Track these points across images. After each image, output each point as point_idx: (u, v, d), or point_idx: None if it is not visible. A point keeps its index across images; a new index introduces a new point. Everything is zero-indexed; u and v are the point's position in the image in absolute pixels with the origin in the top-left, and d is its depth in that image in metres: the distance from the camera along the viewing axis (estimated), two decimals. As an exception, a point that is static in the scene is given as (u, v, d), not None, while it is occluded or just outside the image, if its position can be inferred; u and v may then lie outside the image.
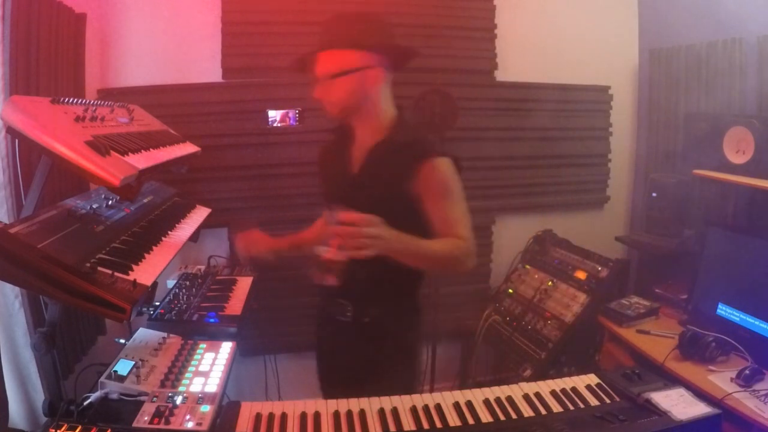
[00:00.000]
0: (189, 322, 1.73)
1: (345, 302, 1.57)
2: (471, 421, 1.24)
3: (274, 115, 2.55)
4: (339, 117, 1.52)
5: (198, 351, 1.56)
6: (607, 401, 1.32)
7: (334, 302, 1.59)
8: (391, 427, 1.21)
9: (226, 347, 1.59)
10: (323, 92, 1.46)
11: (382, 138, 1.48)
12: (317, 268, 1.28)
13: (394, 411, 1.25)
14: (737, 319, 2.14)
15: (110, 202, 1.64)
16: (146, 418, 1.21)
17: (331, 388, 1.69)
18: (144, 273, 1.34)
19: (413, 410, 1.26)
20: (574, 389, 1.36)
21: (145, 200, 1.90)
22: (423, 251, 1.34)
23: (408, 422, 1.22)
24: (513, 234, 3.05)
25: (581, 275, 2.63)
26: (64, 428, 1.15)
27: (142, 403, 1.27)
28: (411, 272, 1.48)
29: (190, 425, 1.21)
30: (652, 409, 1.25)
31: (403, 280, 1.54)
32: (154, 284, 1.35)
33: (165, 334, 1.62)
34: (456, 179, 1.44)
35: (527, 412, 1.27)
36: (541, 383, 1.39)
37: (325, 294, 1.64)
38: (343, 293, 1.55)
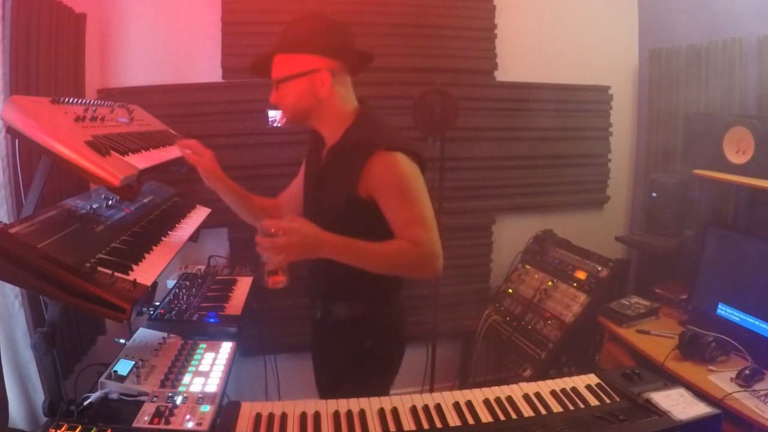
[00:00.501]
0: (189, 322, 1.74)
1: (317, 302, 1.58)
2: (471, 421, 1.24)
3: (274, 115, 2.55)
4: (294, 121, 1.51)
5: (198, 351, 1.56)
6: (607, 401, 1.32)
7: (311, 302, 1.61)
8: (391, 427, 1.21)
9: (226, 347, 1.59)
10: (276, 97, 1.46)
11: (337, 139, 1.45)
12: (264, 274, 1.33)
13: (394, 411, 1.25)
14: (737, 319, 2.14)
15: (110, 202, 1.64)
16: (146, 418, 1.21)
17: (318, 387, 1.69)
18: (144, 273, 1.34)
19: (413, 410, 1.26)
20: (574, 389, 1.36)
21: (145, 200, 1.90)
22: (363, 254, 1.28)
23: (408, 422, 1.22)
24: (513, 234, 3.05)
25: (581, 275, 2.63)
26: (64, 428, 1.15)
27: (142, 403, 1.27)
28: (379, 276, 1.43)
29: (190, 425, 1.21)
30: (652, 409, 1.25)
31: (373, 283, 1.44)
32: (154, 284, 1.35)
33: (165, 334, 1.63)
34: (413, 175, 1.35)
35: (527, 412, 1.27)
36: (541, 383, 1.39)
37: (309, 294, 1.65)
38: (316, 293, 1.58)
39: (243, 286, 2.12)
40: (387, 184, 1.33)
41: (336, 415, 1.24)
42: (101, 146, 1.29)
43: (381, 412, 1.25)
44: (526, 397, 1.33)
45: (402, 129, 2.70)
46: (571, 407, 1.29)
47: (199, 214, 2.16)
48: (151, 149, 1.63)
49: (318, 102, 1.43)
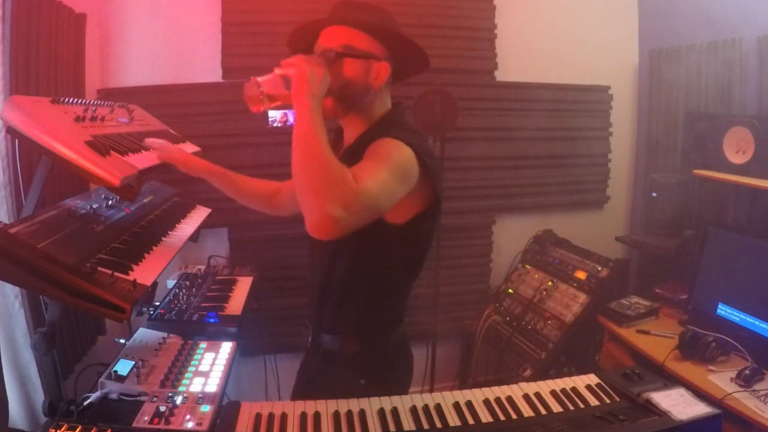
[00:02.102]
0: (189, 322, 1.73)
1: (309, 326, 1.46)
2: (471, 421, 1.24)
3: (274, 115, 2.54)
4: (333, 112, 1.29)
5: (198, 351, 1.56)
6: (607, 401, 1.32)
7: (304, 322, 1.49)
8: (391, 427, 1.21)
9: (226, 347, 1.59)
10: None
11: (353, 140, 1.33)
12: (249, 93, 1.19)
13: (394, 411, 1.25)
14: (737, 319, 2.14)
15: (110, 202, 1.64)
16: (146, 418, 1.21)
17: (293, 397, 1.57)
18: (144, 273, 1.34)
19: (413, 410, 1.26)
20: (574, 389, 1.36)
21: (145, 200, 1.90)
22: (314, 137, 1.06)
23: (408, 422, 1.22)
24: (513, 234, 3.05)
25: (581, 275, 2.63)
26: (64, 428, 1.15)
27: (142, 403, 1.27)
28: (375, 310, 1.34)
29: (190, 425, 1.20)
30: (652, 409, 1.24)
31: (367, 317, 1.36)
32: (154, 284, 1.35)
33: (165, 334, 1.62)
34: (404, 160, 1.15)
35: (527, 412, 1.27)
36: (541, 383, 1.39)
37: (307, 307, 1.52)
38: (309, 317, 1.47)
39: (243, 286, 2.12)
40: (373, 149, 1.16)
41: (336, 415, 1.24)
42: (101, 146, 1.29)
43: (381, 412, 1.25)
44: (526, 397, 1.33)
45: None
46: (571, 407, 1.29)
47: (199, 214, 2.16)
48: (151, 149, 1.62)
49: (365, 93, 1.28)
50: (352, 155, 1.27)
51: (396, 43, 1.30)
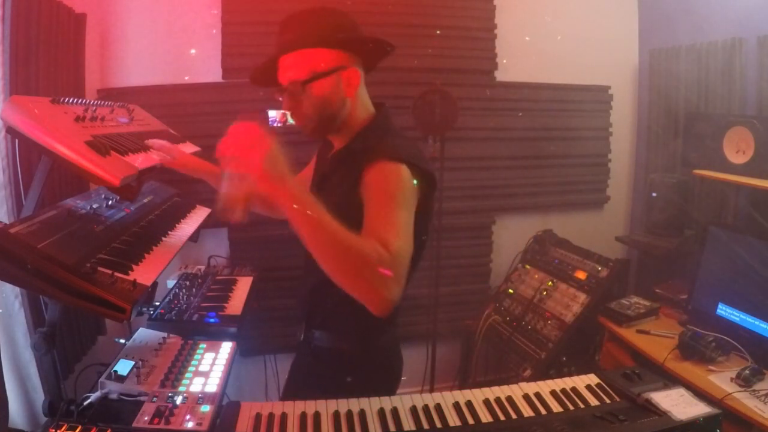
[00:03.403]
0: (189, 322, 1.73)
1: (301, 322, 1.48)
2: (471, 421, 1.24)
3: (274, 115, 2.54)
4: (316, 132, 1.30)
5: (198, 351, 1.56)
6: (607, 401, 1.32)
7: (298, 320, 1.51)
8: (391, 427, 1.21)
9: (226, 347, 1.59)
10: (292, 103, 1.24)
11: (343, 145, 1.32)
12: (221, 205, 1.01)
13: (394, 411, 1.25)
14: (737, 319, 2.14)
15: (110, 202, 1.64)
16: (146, 418, 1.21)
17: (283, 396, 1.60)
18: (144, 273, 1.34)
19: (413, 410, 1.26)
20: (574, 389, 1.36)
21: (145, 200, 1.90)
22: (319, 225, 0.97)
23: (408, 422, 1.22)
24: (513, 234, 3.05)
25: (581, 275, 2.63)
26: (64, 428, 1.15)
27: (142, 403, 1.27)
28: (368, 313, 1.31)
29: (190, 425, 1.21)
30: (652, 409, 1.25)
31: (359, 316, 1.29)
32: (154, 284, 1.35)
33: (165, 334, 1.62)
34: (406, 187, 1.14)
35: (527, 412, 1.27)
36: (541, 383, 1.39)
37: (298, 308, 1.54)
38: (300, 313, 1.47)
39: (243, 286, 2.12)
40: (375, 187, 1.15)
41: (336, 415, 1.24)
42: (101, 146, 1.29)
43: (381, 412, 1.25)
44: (526, 397, 1.33)
45: (402, 129, 2.72)
46: (571, 407, 1.29)
47: (199, 214, 2.16)
48: (151, 149, 1.62)
49: (344, 106, 1.26)
50: (340, 162, 1.29)
51: (354, 43, 1.26)
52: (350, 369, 1.38)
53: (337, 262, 1.00)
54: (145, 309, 1.74)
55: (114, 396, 1.31)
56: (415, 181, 1.17)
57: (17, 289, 1.67)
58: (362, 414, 1.24)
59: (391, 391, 1.43)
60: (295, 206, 0.97)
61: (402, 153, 1.19)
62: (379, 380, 1.42)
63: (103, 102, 1.66)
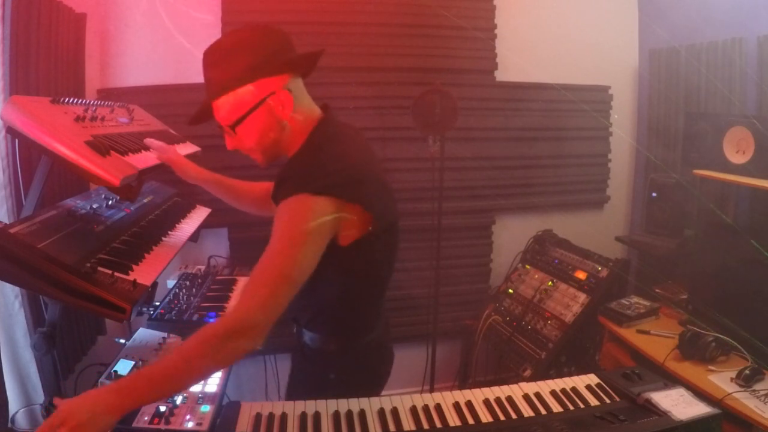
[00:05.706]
0: (189, 322, 1.73)
1: (291, 324, 1.51)
2: (471, 421, 1.24)
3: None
4: (269, 161, 1.30)
5: (198, 351, 1.55)
6: (607, 401, 1.32)
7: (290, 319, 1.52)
8: (391, 427, 1.21)
9: (226, 347, 1.58)
10: (234, 142, 1.27)
11: (285, 163, 1.29)
12: None
13: (394, 411, 1.25)
14: (737, 319, 2.13)
15: (110, 202, 1.64)
16: (146, 418, 1.21)
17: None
18: (144, 273, 1.34)
19: (413, 410, 1.26)
20: (574, 389, 1.36)
21: (145, 200, 1.90)
22: (159, 386, 1.02)
23: (408, 422, 1.22)
24: (513, 234, 3.05)
25: (581, 275, 2.63)
26: (64, 428, 1.15)
27: (142, 403, 1.27)
28: (349, 316, 1.36)
29: (190, 425, 1.21)
30: (652, 409, 1.25)
31: (340, 316, 1.38)
32: (154, 284, 1.35)
33: (165, 334, 1.63)
34: (310, 224, 1.11)
35: (527, 412, 1.27)
36: (541, 383, 1.39)
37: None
38: (293, 314, 1.49)
39: (243, 286, 2.12)
40: (275, 226, 1.14)
41: (336, 415, 1.24)
42: (101, 146, 1.29)
43: (381, 412, 1.25)
44: (526, 397, 1.33)
45: (402, 129, 2.73)
46: (571, 407, 1.29)
47: (199, 214, 2.16)
48: (151, 149, 1.62)
49: (283, 129, 1.24)
50: (275, 191, 1.26)
51: (278, 66, 1.20)
52: (333, 367, 1.40)
53: (196, 376, 1.12)
54: (145, 309, 1.74)
55: (114, 396, 1.31)
56: (333, 215, 1.14)
57: (17, 289, 1.67)
58: (362, 414, 1.24)
59: (372, 391, 1.43)
60: (133, 404, 1.03)
61: (325, 181, 1.15)
62: (361, 380, 1.43)
63: (103, 102, 1.67)
